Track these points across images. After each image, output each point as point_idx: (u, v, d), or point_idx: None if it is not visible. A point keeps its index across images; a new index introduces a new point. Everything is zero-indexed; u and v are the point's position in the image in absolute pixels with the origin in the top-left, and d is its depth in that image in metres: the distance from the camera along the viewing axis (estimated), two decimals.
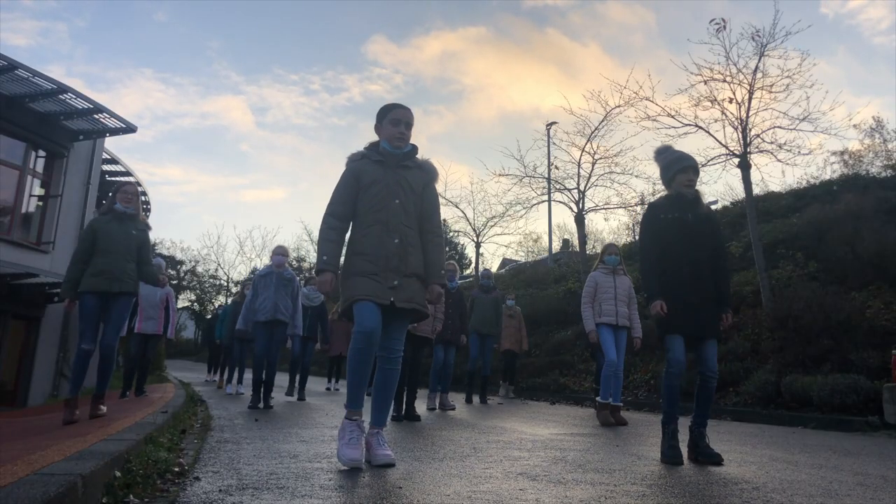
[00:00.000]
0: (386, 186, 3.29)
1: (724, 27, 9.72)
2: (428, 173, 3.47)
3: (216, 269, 40.62)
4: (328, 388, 11.61)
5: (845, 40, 48.69)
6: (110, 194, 5.35)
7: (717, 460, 3.47)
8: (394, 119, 3.37)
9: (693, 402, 3.68)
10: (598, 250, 25.76)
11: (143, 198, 18.99)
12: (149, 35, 62.39)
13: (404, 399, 5.94)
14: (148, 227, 5.38)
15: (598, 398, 6.22)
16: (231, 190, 66.65)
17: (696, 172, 3.79)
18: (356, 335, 3.10)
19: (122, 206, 5.17)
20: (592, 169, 13.14)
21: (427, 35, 64.35)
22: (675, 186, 3.78)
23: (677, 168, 3.76)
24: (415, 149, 3.45)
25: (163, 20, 62.94)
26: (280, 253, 7.27)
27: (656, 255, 3.69)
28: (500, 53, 63.83)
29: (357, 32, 66.03)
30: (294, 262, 38.11)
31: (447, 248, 35.60)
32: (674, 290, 3.59)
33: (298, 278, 7.40)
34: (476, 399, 9.05)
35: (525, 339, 10.32)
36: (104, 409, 4.97)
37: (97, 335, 4.94)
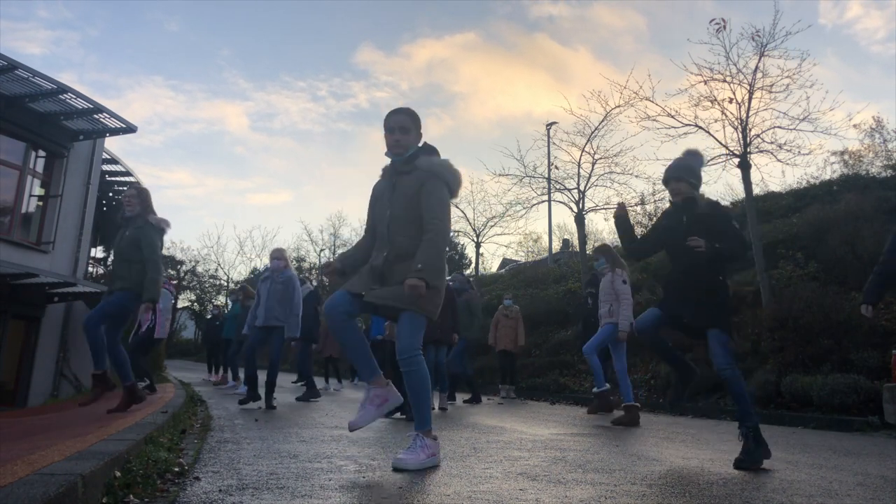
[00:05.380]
0: (382, 198, 3.37)
1: (724, 27, 9.72)
2: (425, 172, 3.31)
3: (216, 269, 40.65)
4: (324, 389, 11.69)
5: (843, 48, 48.87)
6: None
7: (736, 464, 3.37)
8: (387, 127, 3.36)
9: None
10: None
11: None
12: (160, 44, 63.64)
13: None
14: (143, 224, 5.23)
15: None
16: (237, 193, 67.12)
17: (678, 181, 3.85)
18: None
19: (127, 212, 5.37)
20: (592, 169, 13.15)
21: (413, 43, 64.78)
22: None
23: (663, 181, 3.98)
24: (418, 150, 3.36)
25: (174, 30, 63.86)
26: (275, 257, 7.27)
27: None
28: (491, 59, 64.21)
29: (348, 41, 66.66)
30: (294, 263, 38.11)
31: (446, 248, 35.80)
32: (666, 286, 3.91)
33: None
34: (463, 398, 9.08)
35: (521, 336, 10.22)
36: (141, 395, 5.32)
37: (101, 327, 5.13)
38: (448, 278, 6.56)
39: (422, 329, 3.21)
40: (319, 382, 12.95)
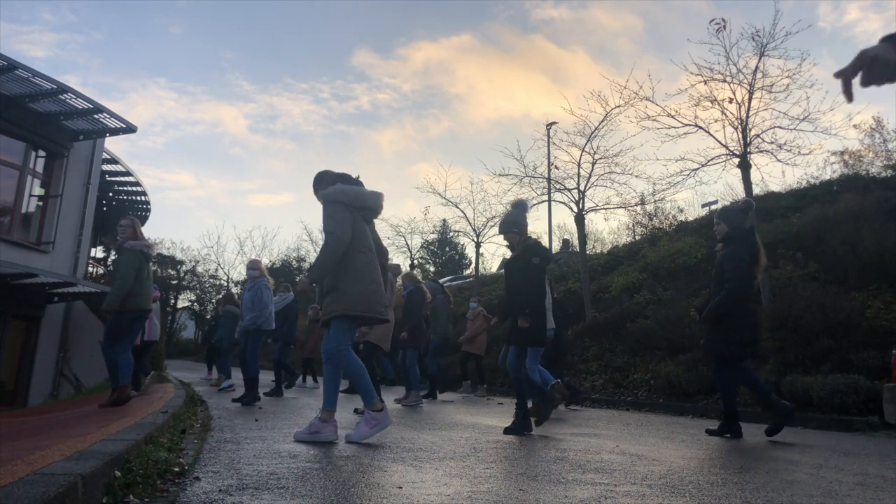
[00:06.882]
0: None
1: (724, 27, 9.72)
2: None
3: (216, 269, 40.62)
4: (306, 386, 12.02)
5: (842, 51, 49.00)
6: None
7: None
8: None
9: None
10: (599, 250, 25.82)
11: (142, 197, 18.98)
12: (164, 47, 64.42)
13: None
14: (122, 250, 5.92)
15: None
16: (239, 194, 67.36)
17: (507, 233, 4.87)
18: None
19: (120, 239, 6.04)
20: (592, 169, 13.13)
21: (409, 46, 65.06)
22: None
23: (499, 233, 5.03)
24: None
25: (178, 33, 64.33)
26: (249, 267, 7.99)
27: None
28: (488, 61, 64.57)
29: (343, 44, 67.06)
30: (294, 263, 38.14)
31: (446, 249, 35.92)
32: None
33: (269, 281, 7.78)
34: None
35: (481, 340, 10.43)
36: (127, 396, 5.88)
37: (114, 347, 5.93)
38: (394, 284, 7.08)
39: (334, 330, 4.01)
40: (298, 380, 13.21)
